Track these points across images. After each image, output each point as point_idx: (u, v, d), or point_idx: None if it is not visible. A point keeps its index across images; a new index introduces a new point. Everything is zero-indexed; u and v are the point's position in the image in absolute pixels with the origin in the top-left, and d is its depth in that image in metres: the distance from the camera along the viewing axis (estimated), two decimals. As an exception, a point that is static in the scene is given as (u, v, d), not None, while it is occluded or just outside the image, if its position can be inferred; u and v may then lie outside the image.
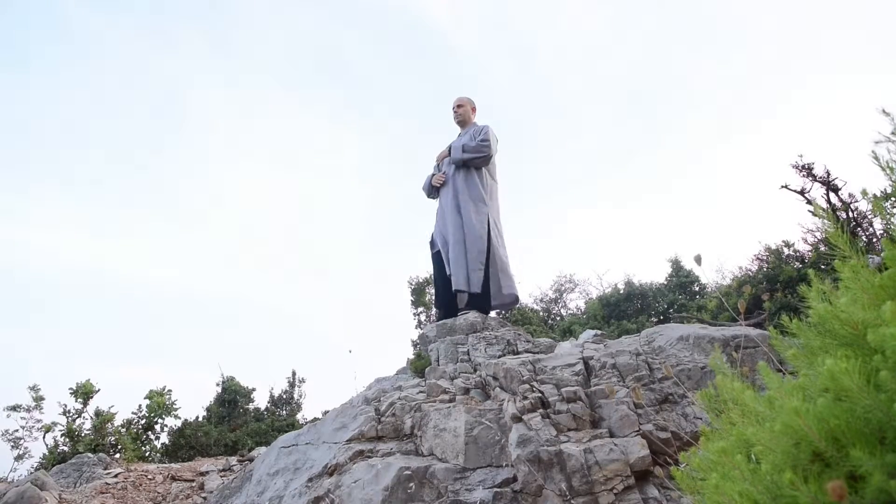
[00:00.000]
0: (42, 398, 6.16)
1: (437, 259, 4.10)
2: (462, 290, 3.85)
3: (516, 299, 4.01)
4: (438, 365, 3.29)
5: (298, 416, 8.00)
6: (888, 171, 0.81)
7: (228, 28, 19.85)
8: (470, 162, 4.04)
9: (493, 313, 3.98)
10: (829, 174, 4.98)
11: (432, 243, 4.22)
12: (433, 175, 4.31)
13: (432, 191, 4.33)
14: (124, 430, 5.97)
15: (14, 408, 6.12)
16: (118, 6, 18.18)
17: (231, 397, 7.80)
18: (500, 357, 3.01)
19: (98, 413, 5.93)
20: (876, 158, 0.82)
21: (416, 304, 8.19)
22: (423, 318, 8.18)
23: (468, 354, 3.24)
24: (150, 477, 4.27)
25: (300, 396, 8.46)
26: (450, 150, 4.16)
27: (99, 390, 6.15)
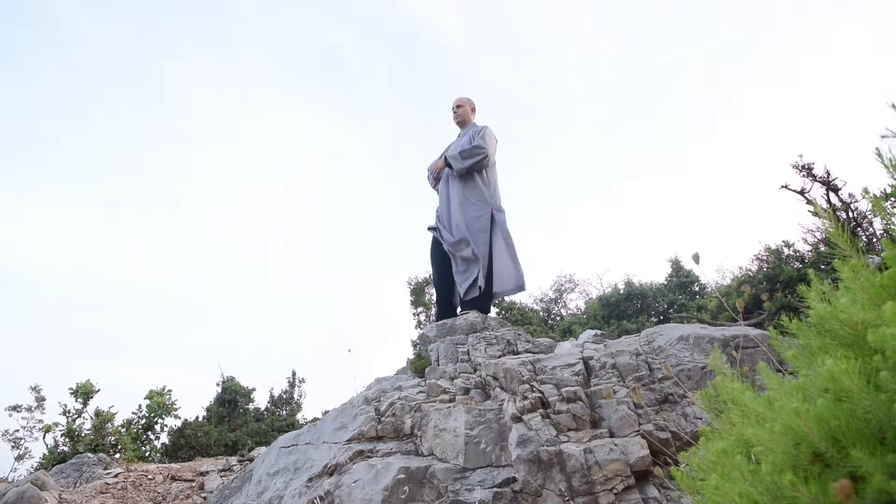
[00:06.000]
0: (43, 398, 6.16)
1: (437, 256, 4.10)
2: (468, 297, 3.85)
3: (522, 287, 3.90)
4: (438, 365, 3.29)
5: (298, 416, 8.00)
6: (891, 170, 0.80)
7: (227, 28, 19.85)
8: (471, 169, 4.04)
9: (493, 311, 3.97)
10: (829, 174, 4.98)
11: (433, 235, 4.20)
12: (433, 168, 4.34)
13: (437, 183, 4.35)
14: (124, 430, 5.97)
15: (15, 408, 6.12)
16: (116, 5, 18.18)
17: (231, 397, 7.80)
18: (500, 357, 3.01)
19: (98, 413, 5.94)
20: (879, 155, 0.81)
21: (415, 304, 8.19)
22: (423, 318, 8.18)
23: (468, 354, 3.23)
24: (150, 477, 4.27)
25: (300, 396, 8.47)
26: (447, 162, 4.12)
27: (99, 390, 6.16)
